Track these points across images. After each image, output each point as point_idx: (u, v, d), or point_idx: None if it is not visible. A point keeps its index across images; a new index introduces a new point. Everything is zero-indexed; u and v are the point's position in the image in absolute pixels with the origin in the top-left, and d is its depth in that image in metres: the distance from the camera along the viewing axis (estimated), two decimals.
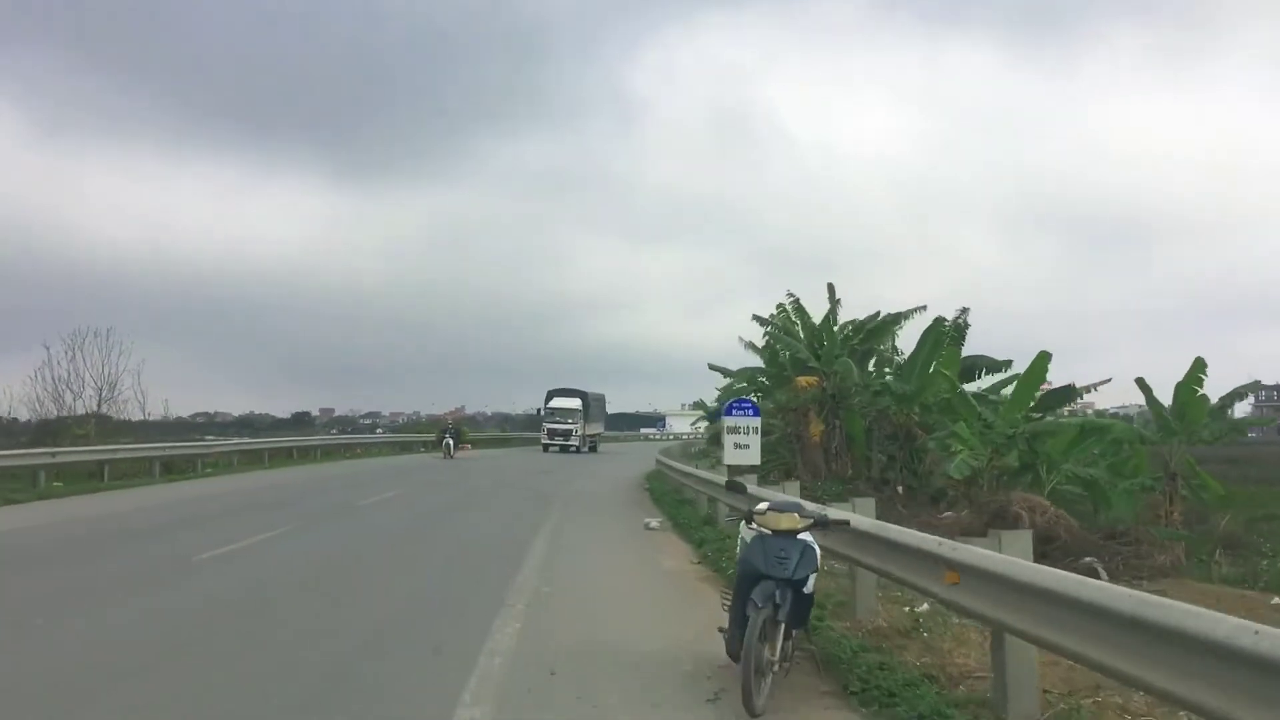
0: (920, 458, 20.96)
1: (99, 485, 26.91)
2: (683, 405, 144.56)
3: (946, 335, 21.24)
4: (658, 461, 33.50)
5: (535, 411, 66.64)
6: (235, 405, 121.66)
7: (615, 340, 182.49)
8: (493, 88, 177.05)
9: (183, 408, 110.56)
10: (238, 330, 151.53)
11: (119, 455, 29.30)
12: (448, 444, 48.44)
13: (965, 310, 22.05)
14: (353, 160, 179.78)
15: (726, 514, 15.45)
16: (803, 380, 22.47)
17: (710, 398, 47.23)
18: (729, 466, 18.35)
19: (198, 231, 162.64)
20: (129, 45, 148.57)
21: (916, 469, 20.84)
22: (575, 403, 64.03)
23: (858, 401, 22.46)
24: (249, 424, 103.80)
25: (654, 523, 18.47)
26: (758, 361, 34.40)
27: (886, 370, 23.46)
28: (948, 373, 19.89)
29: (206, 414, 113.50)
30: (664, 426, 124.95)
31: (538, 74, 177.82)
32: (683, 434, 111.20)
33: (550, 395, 64.70)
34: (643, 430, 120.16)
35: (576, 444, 61.42)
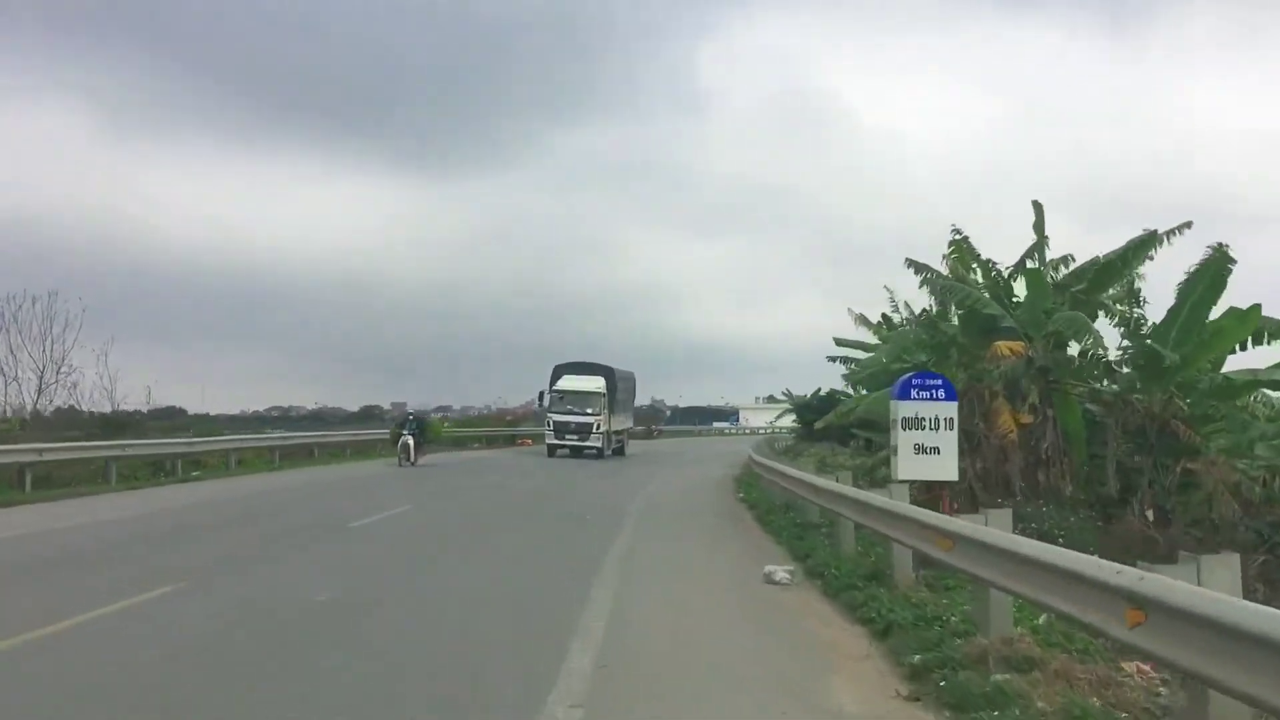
0: (1169, 467, 13.69)
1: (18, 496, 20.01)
2: (757, 399, 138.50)
3: (1227, 274, 13.70)
4: (753, 463, 26.64)
5: (536, 397, 46.28)
6: (309, 399, 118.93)
7: (680, 332, 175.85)
8: (553, 78, 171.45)
9: (258, 402, 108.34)
10: (308, 324, 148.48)
11: (48, 457, 22.14)
12: (406, 444, 32.51)
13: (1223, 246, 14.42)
14: (414, 153, 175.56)
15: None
16: (1003, 346, 15.04)
17: (779, 389, 41.13)
18: (902, 484, 11.27)
19: (265, 228, 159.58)
20: (195, 42, 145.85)
21: (1168, 483, 13.49)
22: (596, 383, 43.32)
23: (1081, 380, 15.09)
24: (320, 418, 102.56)
25: (781, 573, 11.52)
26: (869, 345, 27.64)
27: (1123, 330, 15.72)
28: (1230, 336, 12.88)
29: (280, 408, 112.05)
30: (737, 421, 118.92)
31: (599, 64, 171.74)
32: (759, 428, 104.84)
33: (558, 373, 44.40)
34: (715, 424, 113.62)
35: (598, 444, 41.60)
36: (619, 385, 45.32)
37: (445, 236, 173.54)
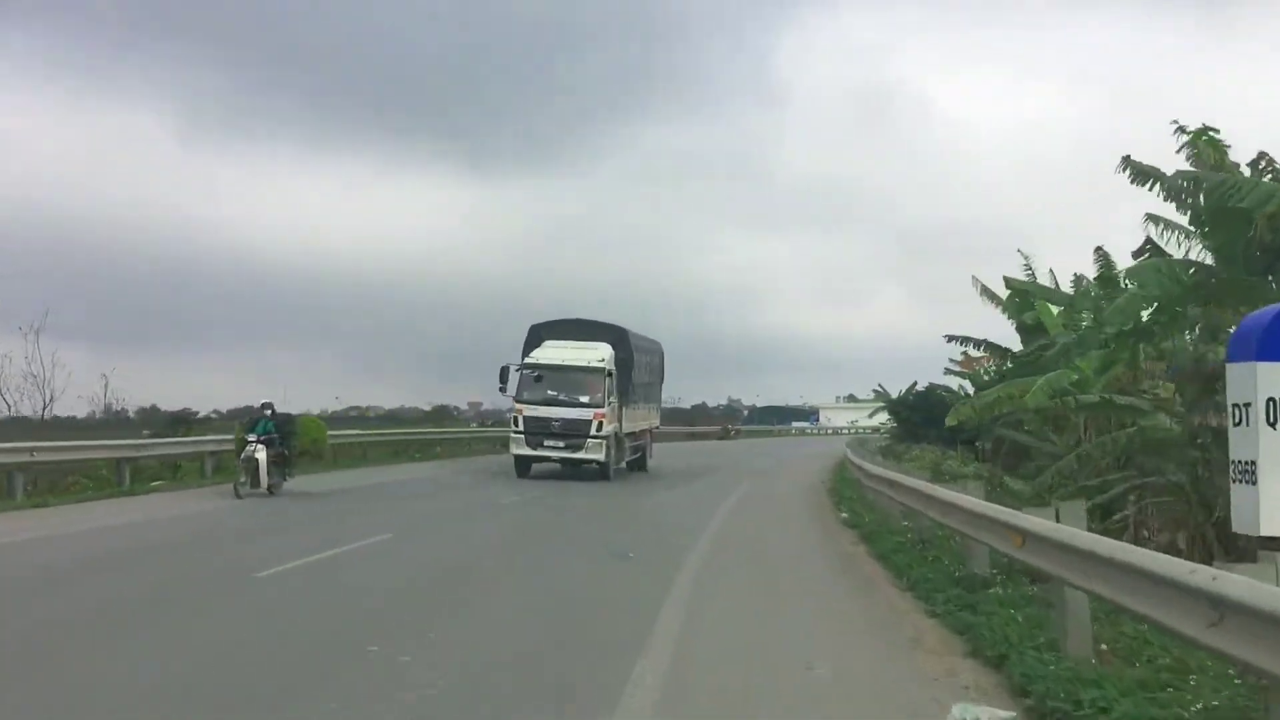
0: None
1: None
2: (837, 398, 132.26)
3: None
4: (856, 472, 20.50)
5: (499, 377, 26.88)
6: (387, 399, 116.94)
7: (757, 330, 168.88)
8: (625, 73, 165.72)
9: (336, 402, 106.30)
10: (384, 325, 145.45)
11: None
12: (252, 460, 19.06)
13: None
14: (486, 151, 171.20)
15: None
16: None
17: (862, 389, 34.75)
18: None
19: (337, 229, 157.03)
20: (269, 45, 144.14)
21: None
22: (597, 354, 26.62)
23: None
24: (395, 418, 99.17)
25: None
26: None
27: None
28: None
29: (358, 408, 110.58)
30: (816, 420, 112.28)
31: (672, 58, 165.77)
32: (841, 428, 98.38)
33: (537, 336, 27.72)
34: (794, 424, 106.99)
35: (599, 456, 25.52)
36: (636, 359, 27.95)
37: (522, 235, 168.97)
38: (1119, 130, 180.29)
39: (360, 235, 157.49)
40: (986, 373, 31.61)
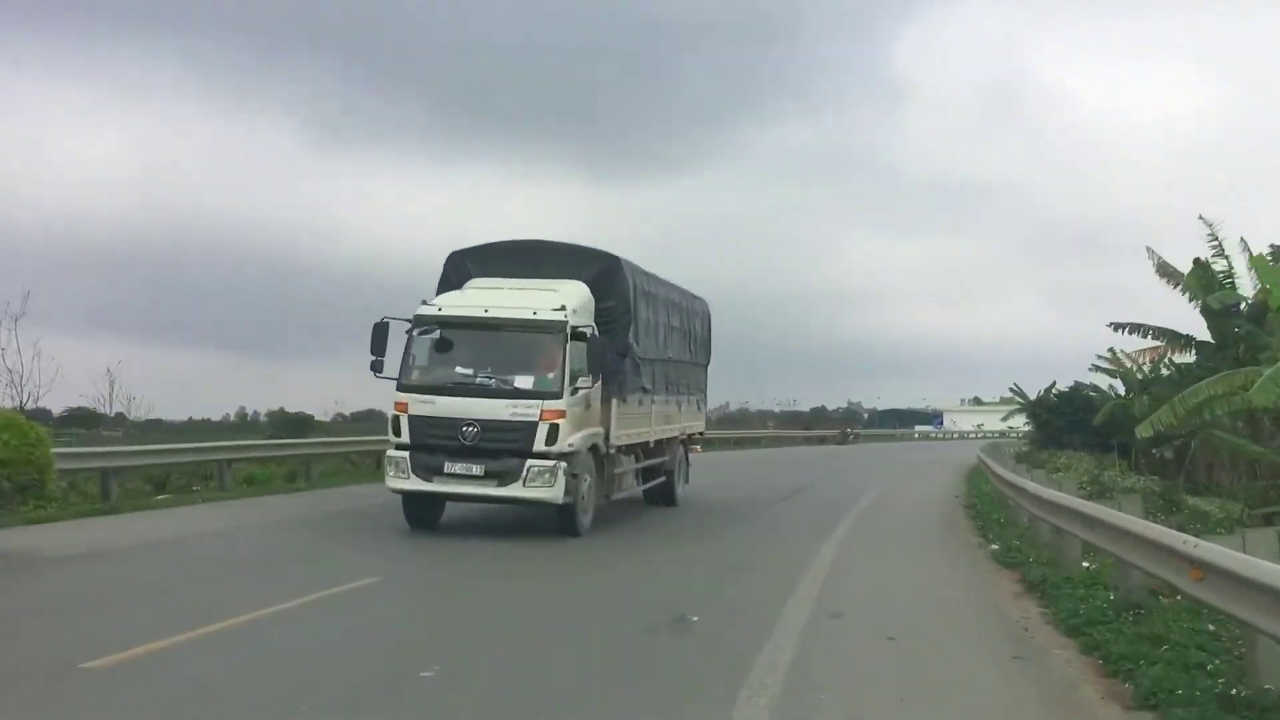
0: None
1: None
2: (962, 400, 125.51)
3: None
4: (1011, 494, 16.01)
5: (372, 341, 13.85)
6: None
7: (878, 332, 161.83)
8: (741, 72, 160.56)
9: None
10: None
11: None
12: None
13: None
14: (604, 155, 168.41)
15: None
16: None
17: (988, 392, 29.82)
18: None
19: (461, 236, 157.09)
20: (398, 55, 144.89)
21: None
22: (551, 299, 13.79)
23: None
24: None
25: None
26: None
27: None
28: None
29: None
30: (941, 424, 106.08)
31: (789, 55, 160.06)
32: (967, 432, 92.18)
33: (459, 269, 15.37)
34: (917, 428, 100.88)
35: (550, 492, 13.17)
36: (644, 314, 16.01)
37: (636, 239, 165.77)
38: (1259, 117, 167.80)
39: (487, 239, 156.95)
40: (1165, 367, 26.64)
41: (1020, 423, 47.73)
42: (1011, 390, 49.33)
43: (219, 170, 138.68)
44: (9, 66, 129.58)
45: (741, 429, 76.27)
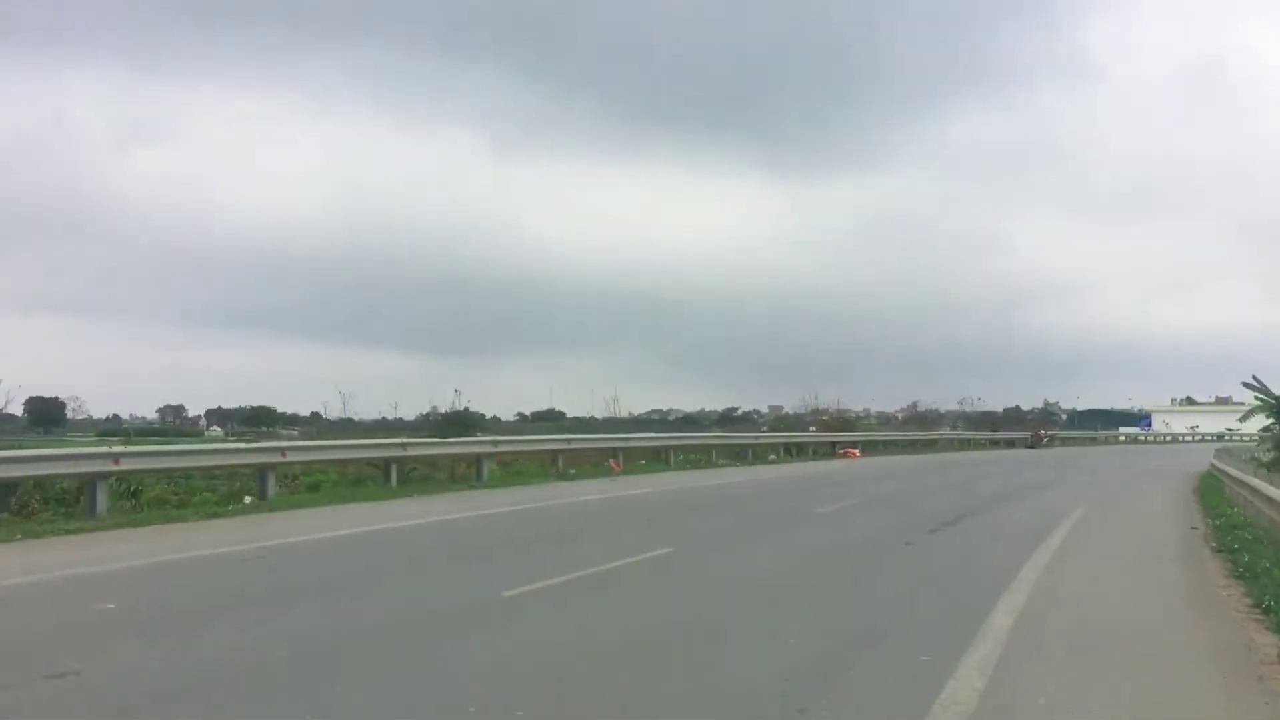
0: None
1: None
2: (1173, 400, 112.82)
3: None
4: None
5: None
6: (688, 402, 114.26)
7: (1077, 329, 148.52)
8: (928, 63, 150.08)
9: (637, 405, 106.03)
10: (688, 328, 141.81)
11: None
12: None
13: None
14: (787, 151, 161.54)
15: None
16: None
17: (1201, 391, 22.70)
18: None
19: (648, 235, 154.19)
20: (576, 58, 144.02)
21: None
22: None
23: None
24: (693, 421, 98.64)
25: None
26: None
27: None
28: None
29: (660, 410, 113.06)
30: (1148, 425, 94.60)
31: (974, 43, 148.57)
32: (1180, 435, 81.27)
33: None
34: (1122, 430, 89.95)
35: None
36: None
37: (825, 238, 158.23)
38: None
39: (666, 240, 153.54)
40: None
41: (1259, 424, 38.99)
42: (1249, 385, 40.54)
43: (411, 179, 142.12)
44: (224, 81, 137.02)
45: (924, 430, 69.38)
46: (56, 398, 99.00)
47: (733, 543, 12.64)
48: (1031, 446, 65.35)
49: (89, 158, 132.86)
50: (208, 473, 18.45)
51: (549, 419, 77.45)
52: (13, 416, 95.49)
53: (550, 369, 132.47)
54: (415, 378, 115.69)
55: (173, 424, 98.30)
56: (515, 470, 25.79)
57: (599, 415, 71.77)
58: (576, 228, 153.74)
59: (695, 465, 31.84)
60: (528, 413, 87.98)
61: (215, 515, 15.48)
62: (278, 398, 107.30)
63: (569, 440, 27.33)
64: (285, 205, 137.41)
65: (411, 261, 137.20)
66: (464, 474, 23.35)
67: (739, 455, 35.94)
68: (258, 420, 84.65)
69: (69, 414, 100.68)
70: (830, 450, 45.21)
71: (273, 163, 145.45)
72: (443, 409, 35.26)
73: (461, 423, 35.26)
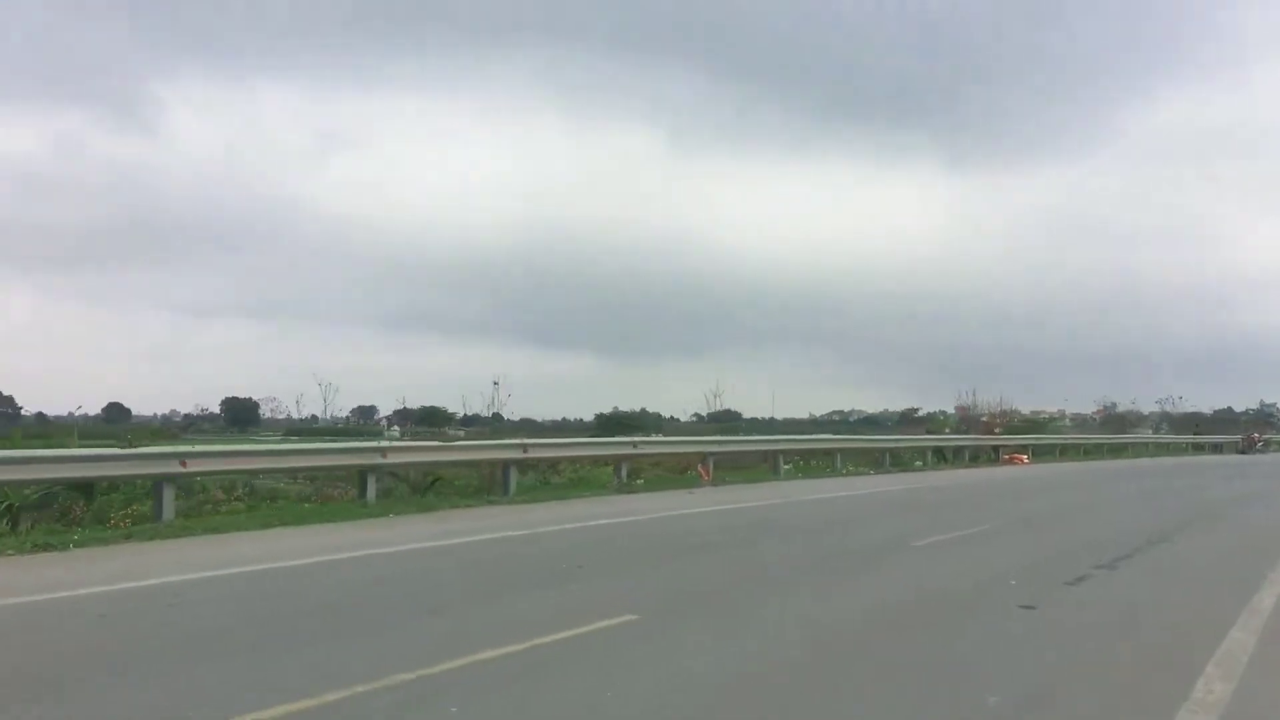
0: None
1: None
2: None
3: None
4: None
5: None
6: (870, 402, 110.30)
7: None
8: (1125, 45, 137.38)
9: (817, 407, 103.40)
10: (867, 326, 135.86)
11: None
12: None
13: None
14: (968, 143, 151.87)
15: None
16: None
17: None
18: None
19: (822, 232, 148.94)
20: (751, 56, 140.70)
21: None
22: None
23: None
24: (874, 422, 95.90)
25: None
26: None
27: None
28: None
29: (841, 411, 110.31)
30: None
31: (1181, 18, 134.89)
32: None
33: None
34: None
35: None
36: None
37: (1011, 232, 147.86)
38: None
39: (839, 237, 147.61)
40: None
41: None
42: None
43: (589, 179, 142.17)
44: (408, 89, 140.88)
45: (1118, 433, 61.96)
46: (250, 398, 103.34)
47: (733, 605, 8.30)
48: (1243, 451, 57.74)
49: (283, 167, 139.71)
50: (317, 472, 18.11)
51: (722, 419, 74.61)
52: (214, 416, 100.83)
53: (728, 369, 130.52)
54: (597, 379, 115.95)
55: (358, 424, 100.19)
56: (574, 479, 22.36)
57: (779, 416, 68.80)
58: (755, 226, 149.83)
59: (814, 473, 27.28)
60: (703, 413, 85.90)
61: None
62: (459, 398, 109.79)
63: (635, 444, 22.43)
64: (468, 209, 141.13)
65: (589, 261, 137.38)
66: (477, 487, 19.47)
67: (877, 461, 30.98)
68: (429, 420, 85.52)
69: (262, 414, 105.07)
70: (993, 455, 39.48)
71: (456, 168, 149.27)
72: (623, 409, 34.95)
73: (623, 424, 34.43)
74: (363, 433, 75.43)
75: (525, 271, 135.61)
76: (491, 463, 19.20)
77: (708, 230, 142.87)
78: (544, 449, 20.38)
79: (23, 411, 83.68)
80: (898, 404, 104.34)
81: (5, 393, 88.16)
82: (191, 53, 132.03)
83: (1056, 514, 17.18)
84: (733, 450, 25.54)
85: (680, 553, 11.52)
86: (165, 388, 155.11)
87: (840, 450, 28.95)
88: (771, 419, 71.05)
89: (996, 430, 46.43)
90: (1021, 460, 38.95)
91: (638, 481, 21.49)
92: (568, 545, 12.06)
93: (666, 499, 18.23)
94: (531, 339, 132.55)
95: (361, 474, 16.38)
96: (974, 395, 55.83)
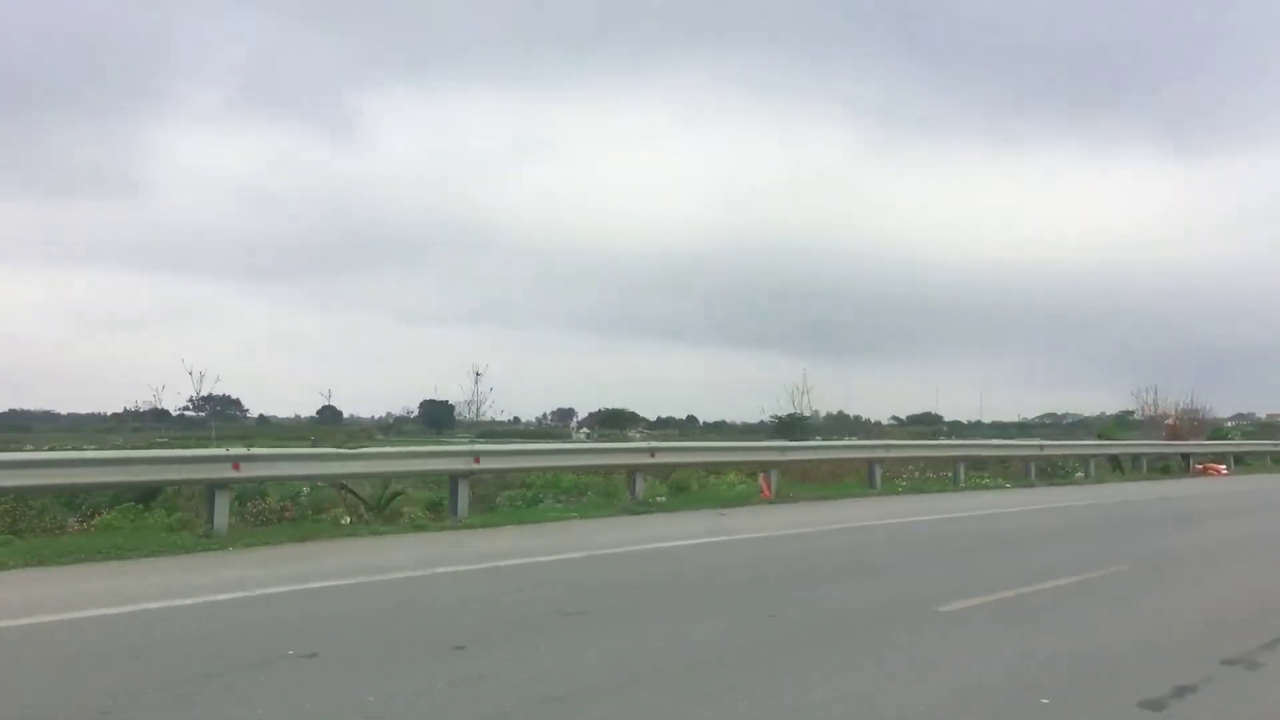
0: None
1: None
2: None
3: None
4: None
5: None
6: (1087, 405, 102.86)
7: None
8: None
9: (1029, 409, 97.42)
10: (1081, 325, 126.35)
11: None
12: None
13: None
14: (1191, 124, 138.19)
15: None
16: None
17: None
18: None
19: (1027, 227, 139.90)
20: (944, 48, 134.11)
21: None
22: None
23: None
24: (1088, 425, 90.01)
25: None
26: None
27: None
28: None
29: (1054, 414, 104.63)
30: None
31: None
32: None
33: None
34: None
35: None
36: None
37: (1238, 218, 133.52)
38: None
39: (1062, 233, 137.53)
40: None
41: None
42: None
43: (782, 179, 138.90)
44: (598, 97, 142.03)
45: None
46: (446, 401, 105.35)
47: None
48: None
49: (481, 175, 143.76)
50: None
51: (925, 423, 70.67)
52: (414, 418, 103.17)
53: (936, 370, 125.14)
54: (809, 380, 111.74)
55: (551, 425, 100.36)
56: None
57: (986, 420, 64.07)
58: (956, 222, 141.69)
59: (930, 486, 22.87)
60: (903, 416, 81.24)
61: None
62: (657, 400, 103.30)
63: (653, 451, 18.06)
64: (664, 212, 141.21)
65: (786, 262, 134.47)
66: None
67: (1021, 472, 26.06)
68: (613, 422, 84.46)
69: (458, 415, 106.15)
70: (1184, 465, 33.40)
71: (647, 173, 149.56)
72: (826, 412, 34.34)
73: (799, 427, 34.56)
74: (550, 435, 75.31)
75: (723, 273, 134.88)
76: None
77: (916, 226, 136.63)
78: (671, 453, 19.36)
79: (248, 413, 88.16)
80: (1114, 406, 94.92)
81: (233, 396, 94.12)
82: (389, 66, 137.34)
83: (1213, 553, 12.51)
84: (812, 458, 21.72)
85: (608, 617, 7.94)
86: (376, 391, 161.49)
87: (964, 458, 24.24)
88: (978, 422, 65.84)
89: (1183, 434, 39.57)
90: (1219, 470, 32.72)
91: (658, 499, 17.81)
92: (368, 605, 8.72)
93: (684, 522, 14.53)
94: (728, 340, 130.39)
95: None
96: (1155, 394, 45.43)
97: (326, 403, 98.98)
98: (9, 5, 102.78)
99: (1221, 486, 26.81)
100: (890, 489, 21.33)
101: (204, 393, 27.24)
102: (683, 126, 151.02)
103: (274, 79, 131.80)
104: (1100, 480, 27.93)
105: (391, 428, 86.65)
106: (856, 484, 21.60)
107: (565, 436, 75.11)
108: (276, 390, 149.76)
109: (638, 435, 67.36)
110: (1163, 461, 33.67)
